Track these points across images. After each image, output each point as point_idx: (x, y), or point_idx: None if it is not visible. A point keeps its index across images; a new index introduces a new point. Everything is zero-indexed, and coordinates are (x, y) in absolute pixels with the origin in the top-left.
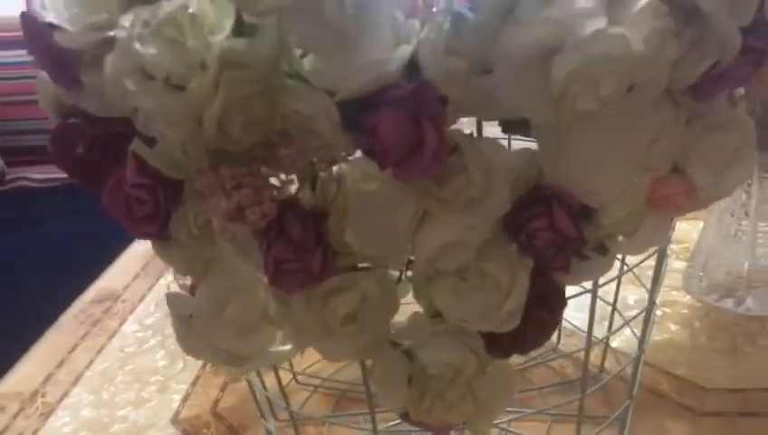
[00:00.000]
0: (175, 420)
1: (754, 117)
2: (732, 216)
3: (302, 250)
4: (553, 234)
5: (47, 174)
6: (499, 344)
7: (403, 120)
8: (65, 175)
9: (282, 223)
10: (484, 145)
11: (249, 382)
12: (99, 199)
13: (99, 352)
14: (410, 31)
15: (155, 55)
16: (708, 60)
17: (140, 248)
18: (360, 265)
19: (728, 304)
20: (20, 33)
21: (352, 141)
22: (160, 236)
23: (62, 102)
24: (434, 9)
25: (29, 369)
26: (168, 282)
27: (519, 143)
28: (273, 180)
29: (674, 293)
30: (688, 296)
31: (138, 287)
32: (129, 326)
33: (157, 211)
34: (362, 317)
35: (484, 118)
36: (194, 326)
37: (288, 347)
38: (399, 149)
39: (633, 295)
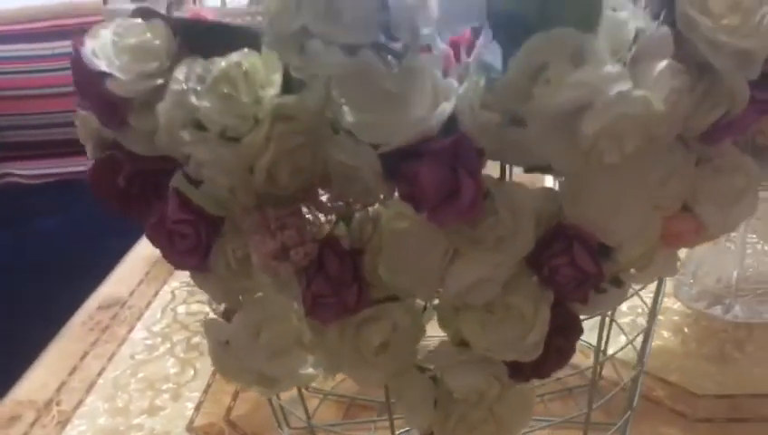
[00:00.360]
0: (190, 428)
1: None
2: None
3: (339, 285)
4: (574, 270)
5: (35, 170)
6: (521, 371)
7: (442, 170)
8: (55, 171)
9: (321, 260)
10: (512, 189)
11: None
12: (89, 197)
13: (110, 359)
14: (449, 88)
15: (210, 109)
16: (719, 111)
17: (142, 253)
18: (391, 296)
19: (717, 311)
20: (8, 28)
21: (391, 188)
22: (200, 268)
23: (103, 137)
24: (469, 60)
25: (41, 376)
26: (173, 288)
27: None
28: (314, 220)
29: (665, 300)
30: (679, 303)
31: (143, 293)
32: (138, 333)
33: (198, 245)
34: (393, 346)
35: (514, 164)
36: (230, 351)
37: (314, 370)
38: (437, 196)
39: (626, 302)
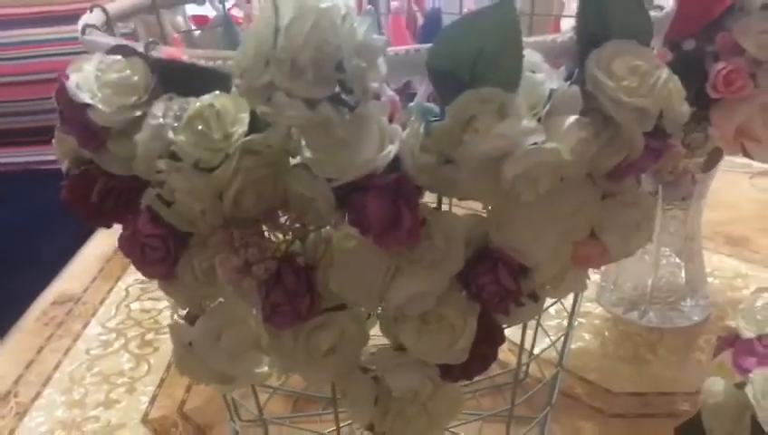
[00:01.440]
0: (145, 420)
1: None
2: None
3: (294, 296)
4: (498, 287)
5: None
6: (451, 372)
7: (386, 202)
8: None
9: (279, 274)
10: (446, 217)
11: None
12: (40, 188)
13: (65, 353)
14: (394, 133)
15: (185, 143)
16: (620, 155)
17: (95, 251)
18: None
19: (633, 316)
20: None
21: (342, 215)
22: (167, 277)
23: (79, 156)
24: (409, 105)
25: None
26: (127, 285)
27: None
28: (273, 239)
29: (588, 304)
30: (600, 308)
31: (97, 290)
32: (93, 329)
33: (167, 257)
34: (341, 349)
35: (446, 196)
36: (192, 352)
37: (269, 369)
38: (381, 224)
39: (554, 307)
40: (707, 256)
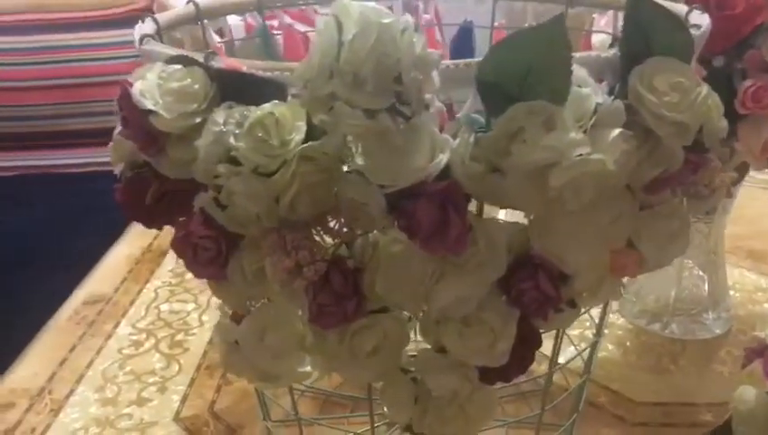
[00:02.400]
0: (177, 419)
1: None
2: None
3: (341, 298)
4: (538, 293)
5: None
6: (489, 375)
7: (435, 209)
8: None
9: (328, 276)
10: (489, 224)
11: (257, 390)
12: (65, 191)
13: (98, 352)
14: (445, 142)
15: (246, 149)
16: (659, 168)
17: (124, 252)
18: (382, 308)
19: (656, 327)
20: None
21: (392, 220)
22: (217, 277)
23: (135, 160)
24: (457, 116)
25: (32, 367)
26: (156, 287)
27: None
28: (322, 242)
29: (611, 316)
30: (623, 319)
31: (126, 291)
32: (124, 329)
33: (218, 258)
34: (383, 350)
35: (492, 204)
36: (238, 351)
37: (309, 369)
38: (430, 229)
39: None
40: (729, 270)
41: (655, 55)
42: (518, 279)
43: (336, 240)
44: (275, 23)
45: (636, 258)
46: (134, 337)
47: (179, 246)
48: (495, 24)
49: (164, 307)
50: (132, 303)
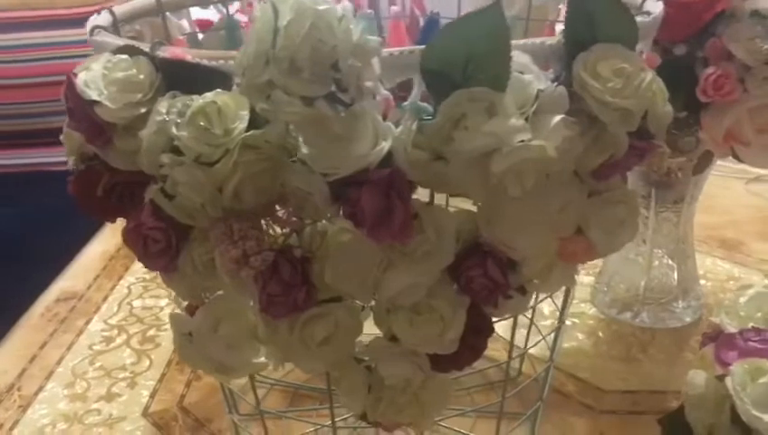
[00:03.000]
0: (145, 414)
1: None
2: (632, 242)
3: (290, 287)
4: (487, 280)
5: None
6: (441, 363)
7: (379, 196)
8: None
9: (276, 266)
10: (437, 212)
11: (221, 383)
12: (46, 190)
13: (68, 348)
14: (387, 130)
15: (188, 138)
16: (604, 154)
17: (98, 250)
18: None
19: (626, 316)
20: None
21: (337, 209)
22: (169, 269)
23: (85, 152)
24: (404, 104)
25: (1, 364)
26: (129, 284)
27: None
28: (271, 232)
29: (582, 305)
30: (594, 309)
31: (100, 287)
32: (95, 325)
33: (168, 249)
34: (334, 339)
35: (438, 192)
36: (192, 342)
37: (266, 360)
38: (375, 217)
39: (548, 307)
40: (701, 258)
41: (600, 42)
42: (467, 267)
43: (284, 230)
44: (246, 18)
45: (585, 245)
46: (105, 333)
47: (129, 238)
48: (462, 13)
49: (136, 303)
50: (105, 299)
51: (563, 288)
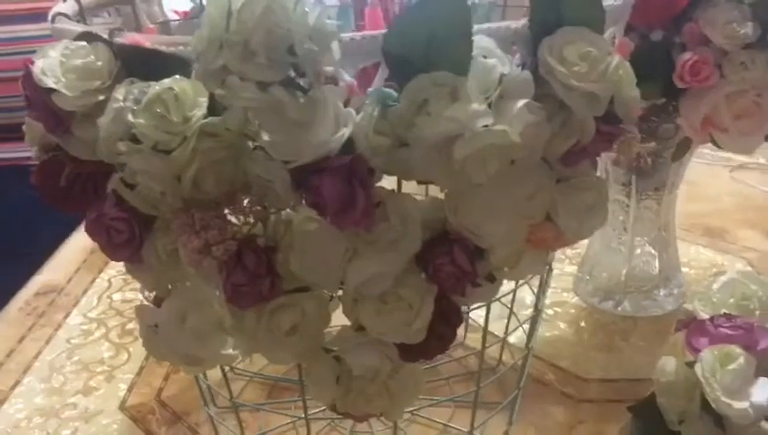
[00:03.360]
0: (122, 407)
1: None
2: (614, 231)
3: (255, 277)
4: (454, 268)
5: None
6: (409, 352)
7: (341, 183)
8: None
9: (240, 256)
10: (402, 199)
11: (196, 376)
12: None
13: (47, 342)
14: (348, 116)
15: (144, 126)
16: (572, 139)
17: (79, 243)
18: (301, 287)
19: (608, 305)
20: None
21: (299, 197)
22: (133, 260)
23: (47, 142)
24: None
25: None
26: (110, 277)
27: None
28: (235, 221)
29: (564, 294)
30: (576, 298)
31: (80, 281)
32: (74, 319)
33: (132, 239)
34: (302, 329)
35: (402, 179)
36: (159, 334)
37: (235, 352)
38: (337, 204)
39: (530, 297)
40: (685, 247)
41: (566, 26)
42: (434, 255)
43: (248, 219)
44: None
45: (554, 232)
46: (84, 326)
47: (92, 228)
48: None
49: (116, 296)
50: (85, 292)
51: (542, 276)
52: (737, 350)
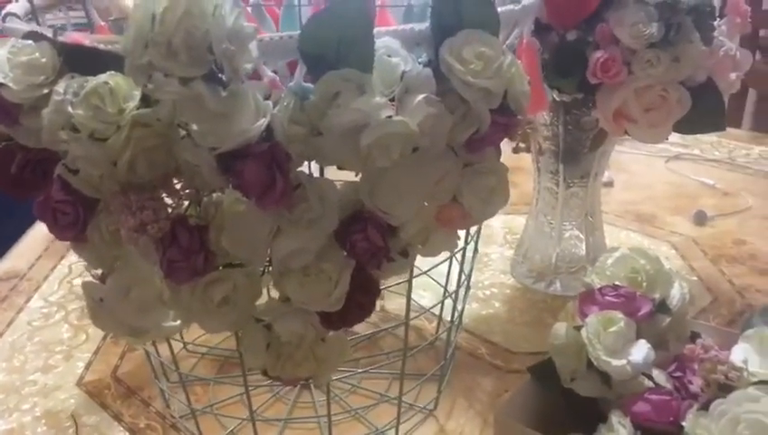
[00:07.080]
0: (79, 384)
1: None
2: (545, 216)
3: (189, 254)
4: (368, 244)
5: None
6: (330, 320)
7: (261, 168)
8: None
9: (174, 234)
10: (321, 182)
11: (146, 350)
12: None
13: (8, 325)
14: (266, 108)
15: (82, 116)
16: (472, 129)
17: (42, 231)
18: (234, 263)
19: (541, 286)
20: None
21: (226, 180)
22: (78, 239)
23: (0, 132)
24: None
25: None
26: (71, 263)
27: None
28: (169, 202)
29: (502, 276)
30: (512, 279)
31: (42, 267)
32: (36, 302)
33: (76, 221)
34: (233, 301)
35: (318, 163)
36: (104, 307)
37: (177, 323)
38: (259, 187)
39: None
40: (616, 232)
41: (465, 29)
42: (350, 232)
43: (181, 201)
44: None
45: (460, 211)
46: (45, 310)
47: (40, 210)
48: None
49: (77, 281)
50: (46, 278)
51: (464, 254)
52: (619, 315)
